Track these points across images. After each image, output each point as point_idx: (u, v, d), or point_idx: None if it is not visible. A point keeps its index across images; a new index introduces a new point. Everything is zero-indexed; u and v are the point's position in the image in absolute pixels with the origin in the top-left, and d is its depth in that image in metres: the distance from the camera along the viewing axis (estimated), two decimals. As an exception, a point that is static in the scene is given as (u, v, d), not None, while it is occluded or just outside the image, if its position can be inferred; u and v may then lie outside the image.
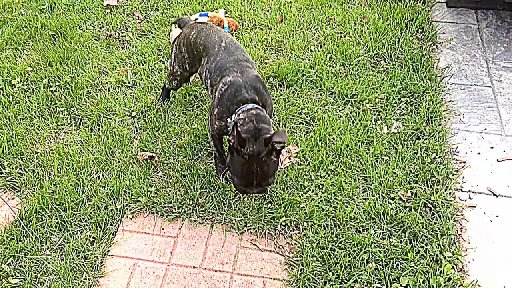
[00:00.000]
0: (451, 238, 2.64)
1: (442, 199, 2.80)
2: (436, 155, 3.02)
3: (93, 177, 2.96)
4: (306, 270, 2.54)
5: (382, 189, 2.85)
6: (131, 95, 3.45)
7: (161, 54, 3.74)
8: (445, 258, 2.55)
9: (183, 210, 2.81)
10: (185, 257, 2.65)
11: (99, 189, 2.88)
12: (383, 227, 2.70)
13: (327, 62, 3.64)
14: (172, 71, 3.09)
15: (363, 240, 2.62)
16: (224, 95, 2.57)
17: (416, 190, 2.84)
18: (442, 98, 3.40)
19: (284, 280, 2.54)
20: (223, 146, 2.90)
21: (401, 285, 2.47)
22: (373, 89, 3.43)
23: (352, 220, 2.73)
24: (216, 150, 2.87)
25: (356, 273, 2.51)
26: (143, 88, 3.48)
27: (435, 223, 2.69)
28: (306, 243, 2.64)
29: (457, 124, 3.27)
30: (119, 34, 3.93)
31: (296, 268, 2.57)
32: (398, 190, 2.85)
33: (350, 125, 3.21)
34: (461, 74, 3.64)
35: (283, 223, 2.74)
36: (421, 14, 4.01)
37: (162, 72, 3.59)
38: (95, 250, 2.64)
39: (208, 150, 3.08)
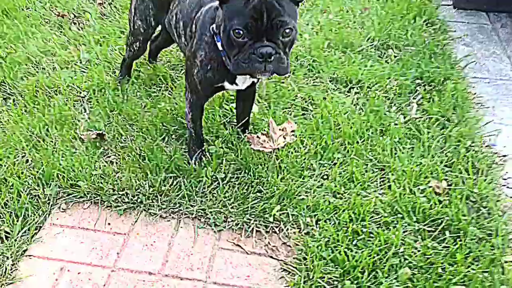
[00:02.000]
0: (509, 239, 1.92)
1: (488, 193, 2.10)
2: (472, 142, 2.35)
3: (17, 158, 2.18)
4: (313, 277, 1.76)
5: (407, 180, 2.14)
6: (82, 74, 2.73)
7: (124, 36, 3.07)
8: (506, 263, 1.82)
9: (139, 200, 2.04)
10: (138, 259, 1.85)
11: (22, 171, 2.10)
12: (414, 224, 1.96)
13: (325, 49, 3.02)
14: (132, 28, 2.42)
15: (389, 238, 1.88)
16: (206, 16, 1.90)
17: (454, 181, 2.15)
18: (466, 90, 2.78)
19: (281, 291, 1.76)
20: (202, 118, 2.18)
21: (451, 297, 1.71)
22: (382, 76, 2.80)
23: (372, 215, 1.99)
24: (193, 127, 2.15)
25: (384, 281, 1.74)
26: (97, 68, 2.77)
27: (485, 220, 1.97)
28: (311, 242, 1.88)
29: (488, 116, 2.63)
30: (74, 16, 3.26)
31: (298, 274, 1.79)
32: (430, 181, 2.14)
33: (358, 110, 2.54)
34: (482, 68, 3.06)
35: (277, 218, 1.98)
36: (428, 9, 3.49)
37: (124, 51, 2.90)
38: (6, 249, 1.82)
39: (179, 132, 2.35)
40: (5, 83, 2.62)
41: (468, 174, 2.17)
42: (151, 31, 2.40)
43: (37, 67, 2.77)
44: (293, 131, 2.27)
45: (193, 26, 1.96)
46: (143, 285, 1.76)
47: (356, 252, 1.82)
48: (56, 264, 1.81)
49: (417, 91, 2.73)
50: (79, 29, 3.14)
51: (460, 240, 1.88)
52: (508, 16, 3.66)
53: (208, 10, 1.88)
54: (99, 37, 3.03)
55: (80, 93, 2.61)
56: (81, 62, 2.83)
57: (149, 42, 2.79)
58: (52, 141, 2.26)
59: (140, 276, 1.79)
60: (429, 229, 1.95)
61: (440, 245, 1.88)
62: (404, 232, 1.94)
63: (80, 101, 2.57)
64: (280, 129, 2.26)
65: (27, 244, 1.86)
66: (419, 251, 1.85)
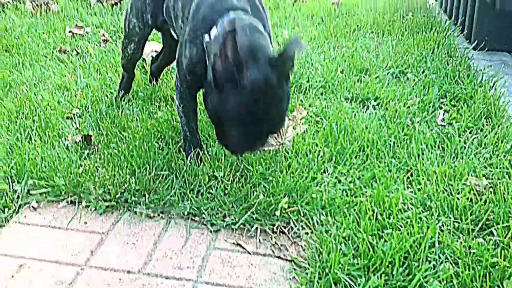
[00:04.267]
0: None
1: (538, 191, 1.75)
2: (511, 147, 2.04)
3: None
4: (330, 270, 1.40)
5: (440, 179, 1.82)
6: (75, 96, 2.53)
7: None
8: None
9: (123, 198, 1.73)
10: (114, 258, 1.51)
11: (-10, 166, 1.83)
12: (452, 223, 1.62)
13: (339, 75, 2.81)
14: (127, 29, 2.24)
15: (424, 230, 1.53)
16: (201, 5, 1.72)
17: (496, 177, 1.82)
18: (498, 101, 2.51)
19: (290, 292, 1.39)
20: (197, 112, 1.93)
21: (509, 292, 1.33)
22: (402, 94, 2.56)
23: (401, 212, 1.65)
24: (186, 122, 1.90)
25: (421, 275, 1.37)
26: (93, 91, 2.58)
27: (539, 215, 1.62)
28: (327, 237, 1.53)
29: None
30: (77, 53, 3.14)
31: (311, 269, 1.43)
32: (467, 179, 1.81)
33: (377, 122, 2.27)
34: (512, 92, 2.80)
35: (286, 216, 1.65)
36: (447, 42, 3.32)
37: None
38: (-41, 244, 1.51)
39: (176, 140, 2.08)
40: (-10, 102, 2.44)
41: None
42: (147, 31, 2.22)
43: (30, 90, 2.59)
44: (303, 118, 1.99)
45: (188, 13, 1.77)
46: (119, 283, 1.41)
47: (382, 245, 1.47)
48: (15, 261, 1.48)
49: (442, 107, 2.47)
50: (79, 59, 3.01)
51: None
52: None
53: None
54: (99, 66, 2.88)
55: (72, 110, 2.39)
56: (77, 87, 2.64)
57: (150, 64, 2.65)
58: (31, 145, 2.01)
59: (116, 275, 1.44)
60: (472, 226, 1.60)
61: (486, 241, 1.52)
62: (441, 230, 1.59)
63: (71, 117, 2.34)
64: (289, 118, 1.98)
65: (-16, 240, 1.55)
66: (463, 246, 1.49)
